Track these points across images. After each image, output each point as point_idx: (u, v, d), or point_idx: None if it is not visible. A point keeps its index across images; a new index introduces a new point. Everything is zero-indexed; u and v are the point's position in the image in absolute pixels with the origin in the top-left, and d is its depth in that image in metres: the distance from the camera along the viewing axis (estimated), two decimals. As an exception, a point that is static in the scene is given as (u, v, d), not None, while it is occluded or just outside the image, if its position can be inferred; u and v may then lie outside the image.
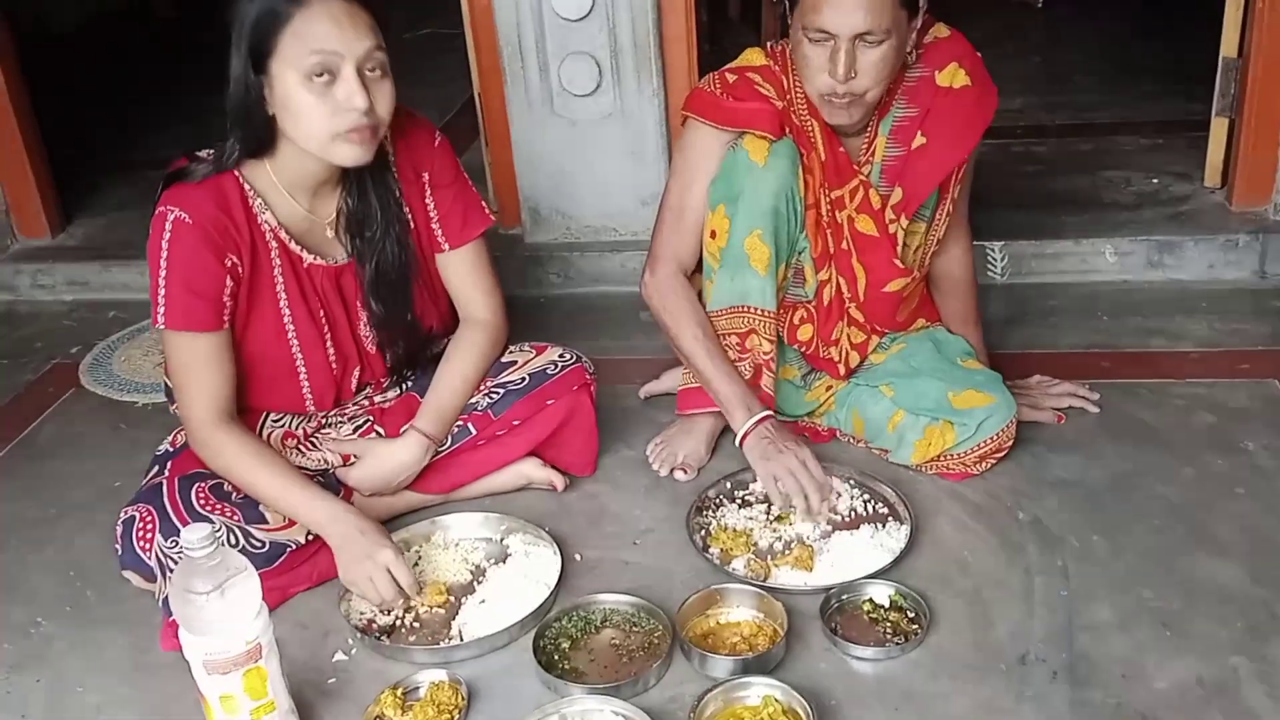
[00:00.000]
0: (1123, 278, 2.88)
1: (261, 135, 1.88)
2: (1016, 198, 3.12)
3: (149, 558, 1.89)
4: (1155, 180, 3.18)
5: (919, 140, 2.10)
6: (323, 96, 1.80)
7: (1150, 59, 4.25)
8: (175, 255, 1.87)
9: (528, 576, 1.98)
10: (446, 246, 2.11)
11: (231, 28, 1.82)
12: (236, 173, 1.91)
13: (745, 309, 2.16)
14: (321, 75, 1.79)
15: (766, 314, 2.16)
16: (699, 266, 2.24)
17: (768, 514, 2.10)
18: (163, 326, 1.90)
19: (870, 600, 1.87)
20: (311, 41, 1.77)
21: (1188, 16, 4.49)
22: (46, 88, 3.55)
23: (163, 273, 1.87)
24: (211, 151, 1.92)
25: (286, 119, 1.84)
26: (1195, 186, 3.10)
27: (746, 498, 2.16)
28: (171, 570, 1.85)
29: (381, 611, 1.94)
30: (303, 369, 2.05)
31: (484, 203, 2.16)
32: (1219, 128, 2.98)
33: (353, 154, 1.86)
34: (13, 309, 3.26)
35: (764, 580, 1.93)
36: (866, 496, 2.13)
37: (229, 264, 1.90)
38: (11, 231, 3.39)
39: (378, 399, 2.20)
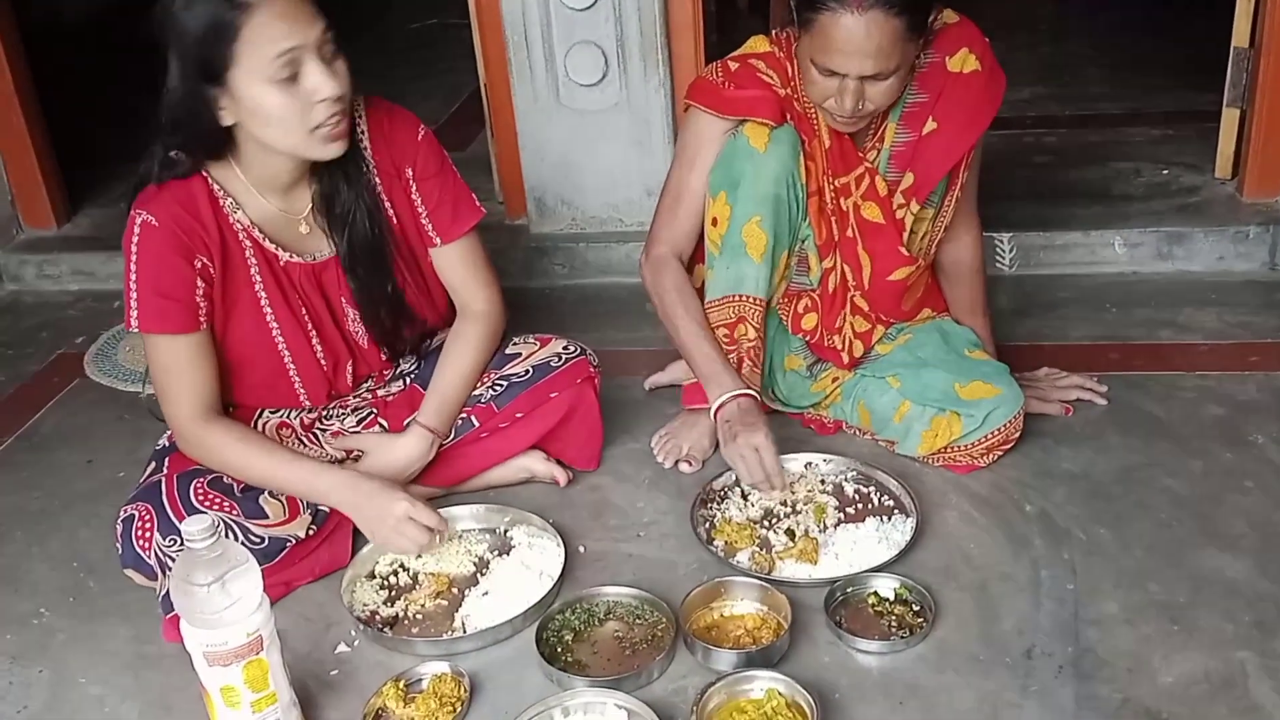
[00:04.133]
0: (1132, 269, 2.86)
1: (210, 144, 1.86)
2: (1026, 189, 3.10)
3: (148, 556, 1.89)
4: (1165, 171, 3.15)
5: (930, 125, 2.09)
6: (292, 94, 1.78)
7: (1160, 49, 4.22)
8: (143, 258, 1.87)
9: (531, 568, 1.98)
10: (439, 240, 2.09)
11: (167, 40, 1.79)
12: (204, 174, 1.90)
13: (739, 297, 2.15)
14: (289, 75, 1.77)
15: (758, 301, 2.15)
16: (700, 257, 2.23)
17: (747, 511, 2.09)
18: (136, 329, 1.90)
19: (875, 593, 1.86)
20: (271, 45, 1.75)
21: (1197, 6, 4.47)
22: (55, 77, 3.53)
23: (133, 275, 1.88)
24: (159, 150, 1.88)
25: (256, 125, 1.82)
26: (1206, 178, 3.07)
27: (750, 489, 2.14)
28: (171, 569, 1.84)
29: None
30: (292, 367, 2.04)
31: (474, 195, 2.13)
32: (1230, 119, 2.95)
33: (333, 149, 1.86)
34: (18, 299, 3.26)
35: (768, 573, 1.92)
36: (872, 489, 2.11)
37: (198, 265, 1.89)
38: (17, 221, 3.38)
39: (380, 391, 2.19)
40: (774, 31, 2.16)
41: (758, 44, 2.16)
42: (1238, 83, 2.89)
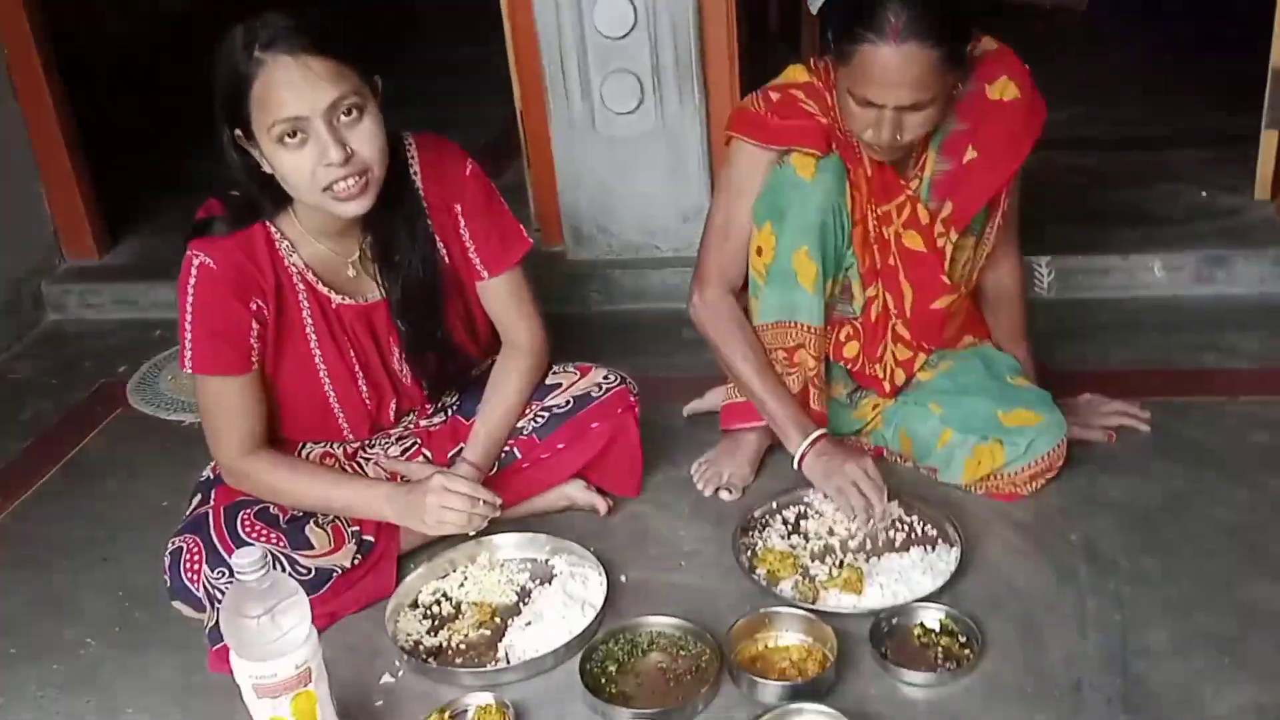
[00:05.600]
0: (1172, 293, 2.84)
1: (275, 192, 1.87)
2: (1063, 211, 3.08)
3: (197, 589, 1.91)
4: (1205, 194, 3.14)
5: (970, 154, 2.08)
6: (301, 156, 1.77)
7: (1195, 70, 4.20)
8: (200, 300, 1.88)
9: (573, 598, 1.98)
10: (486, 274, 2.10)
11: (212, 90, 1.81)
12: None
13: (793, 325, 2.15)
14: (294, 136, 1.76)
15: (814, 330, 2.15)
16: (746, 285, 2.23)
17: (805, 540, 2.09)
18: (190, 370, 1.92)
19: (921, 624, 1.85)
20: (273, 110, 1.74)
21: (1231, 27, 4.45)
22: (97, 107, 3.58)
23: (188, 317, 1.89)
24: (238, 194, 1.90)
25: (279, 179, 1.83)
26: (1245, 199, 3.05)
27: (794, 517, 2.14)
28: (219, 601, 1.86)
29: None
30: (336, 405, 2.06)
31: (522, 227, 2.14)
32: (1269, 140, 2.94)
33: (350, 208, 1.83)
34: (61, 328, 3.29)
35: (812, 603, 1.91)
36: (915, 517, 2.10)
37: (254, 307, 1.91)
38: (59, 252, 3.42)
39: (423, 422, 2.20)
40: (812, 61, 2.16)
41: (796, 74, 2.16)
42: (1276, 104, 2.87)
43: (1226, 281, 2.82)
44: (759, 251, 2.15)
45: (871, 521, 2.05)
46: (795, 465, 2.12)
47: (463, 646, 1.92)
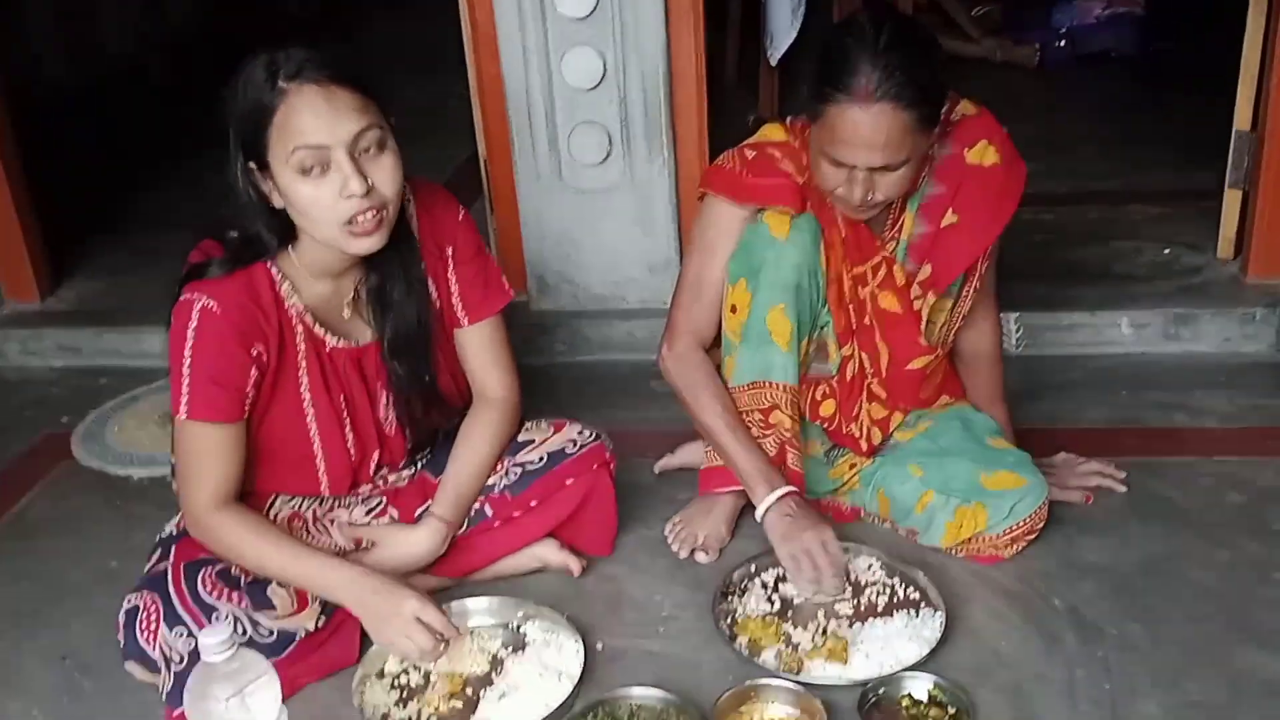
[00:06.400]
0: (1140, 350, 2.85)
1: (281, 228, 1.82)
2: (1027, 267, 3.07)
3: (153, 649, 1.82)
4: (1167, 251, 3.15)
5: (950, 218, 2.07)
6: (321, 188, 1.74)
7: (1148, 125, 4.25)
8: (201, 345, 1.80)
9: (549, 668, 1.91)
10: (465, 321, 2.06)
11: (228, 123, 1.76)
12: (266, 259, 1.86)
13: (768, 384, 2.11)
14: (313, 168, 1.73)
15: (789, 389, 2.11)
16: (717, 341, 2.20)
17: (770, 604, 2.04)
18: (185, 417, 1.83)
19: (909, 695, 1.80)
20: (295, 138, 1.71)
21: (1179, 85, 4.53)
22: (40, 147, 3.47)
23: (187, 362, 1.81)
24: (233, 236, 1.85)
25: (294, 214, 1.79)
26: (1208, 258, 3.07)
27: (773, 580, 2.09)
28: (176, 663, 1.78)
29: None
30: (320, 455, 1.98)
31: (504, 277, 2.11)
32: (1232, 200, 2.96)
33: (365, 244, 1.80)
34: (1, 375, 3.16)
35: (797, 672, 1.86)
36: (896, 579, 2.06)
37: (255, 353, 1.84)
38: (-1, 295, 3.31)
39: (391, 478, 2.12)
40: (788, 120, 2.14)
41: (773, 132, 2.14)
42: (1239, 165, 2.90)
43: (1192, 340, 2.83)
44: (733, 309, 2.12)
45: (818, 594, 2.00)
46: (759, 518, 2.08)
47: (434, 719, 1.84)
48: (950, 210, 2.06)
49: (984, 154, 2.05)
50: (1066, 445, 2.39)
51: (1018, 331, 2.86)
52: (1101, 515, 2.24)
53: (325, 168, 1.73)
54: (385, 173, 1.77)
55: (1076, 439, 2.44)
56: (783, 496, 2.06)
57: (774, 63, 4.04)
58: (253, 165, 1.77)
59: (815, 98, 1.91)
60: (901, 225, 2.11)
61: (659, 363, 2.20)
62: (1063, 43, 5.18)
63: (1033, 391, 2.67)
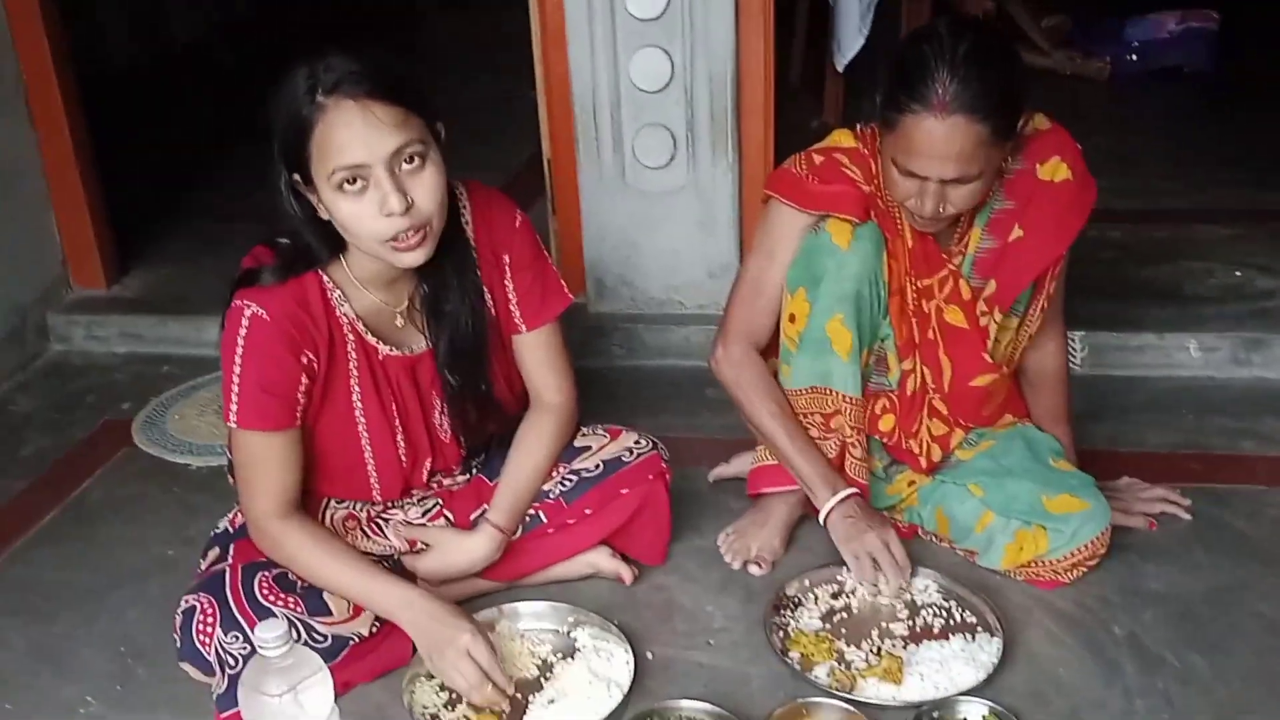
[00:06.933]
0: (1208, 374, 2.79)
1: (330, 239, 1.82)
2: (1094, 286, 3.02)
3: (208, 652, 1.81)
4: (1238, 273, 3.09)
5: (1016, 233, 2.03)
6: (361, 204, 1.72)
7: (1221, 143, 4.17)
8: (251, 353, 1.80)
9: (598, 676, 1.90)
10: (523, 328, 2.05)
11: (271, 133, 1.75)
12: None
13: (829, 391, 2.09)
14: (354, 183, 1.71)
15: (851, 400, 2.09)
16: (771, 348, 2.18)
17: (824, 621, 2.02)
18: (235, 426, 1.84)
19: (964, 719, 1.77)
20: (333, 156, 1.69)
21: (1255, 99, 4.44)
22: (109, 132, 3.50)
23: (237, 370, 1.81)
24: (287, 241, 1.85)
25: (338, 226, 1.78)
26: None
27: (828, 596, 2.07)
28: (231, 666, 1.78)
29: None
30: (371, 462, 1.98)
31: (563, 282, 2.09)
32: (1309, 225, 2.89)
33: (409, 259, 1.78)
34: (66, 360, 3.20)
35: (849, 691, 1.84)
36: (953, 603, 2.03)
37: (305, 361, 1.84)
38: (67, 281, 3.34)
39: (446, 482, 2.12)
40: (857, 126, 2.11)
41: (842, 138, 2.11)
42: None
43: (1263, 365, 2.76)
44: (791, 319, 2.10)
45: (878, 595, 1.99)
46: (821, 521, 2.06)
47: (482, 723, 1.84)
48: (1017, 225, 2.03)
49: (1056, 170, 2.01)
50: (1130, 469, 2.35)
51: (1082, 350, 2.81)
52: (1165, 542, 2.19)
53: (365, 184, 1.71)
54: (426, 188, 1.74)
55: (1140, 463, 2.40)
56: (845, 499, 2.04)
57: (840, 69, 4.01)
58: (296, 178, 1.76)
59: (889, 106, 1.88)
60: (968, 240, 2.08)
61: (712, 365, 2.19)
62: (1134, 57, 5.09)
63: (1096, 413, 2.62)
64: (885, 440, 2.21)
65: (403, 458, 2.00)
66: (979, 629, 1.97)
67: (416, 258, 1.78)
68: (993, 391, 2.17)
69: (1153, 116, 4.64)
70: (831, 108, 4.20)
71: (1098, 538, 2.04)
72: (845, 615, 2.03)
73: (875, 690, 1.84)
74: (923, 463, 2.19)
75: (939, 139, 1.83)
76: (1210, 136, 4.29)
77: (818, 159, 2.09)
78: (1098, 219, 2.10)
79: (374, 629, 1.90)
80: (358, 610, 1.89)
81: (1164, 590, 2.07)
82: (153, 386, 3.00)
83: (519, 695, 1.88)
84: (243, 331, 1.80)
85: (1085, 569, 2.07)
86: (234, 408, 1.82)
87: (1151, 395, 2.73)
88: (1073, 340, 2.80)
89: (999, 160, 1.93)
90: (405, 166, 1.72)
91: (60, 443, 2.77)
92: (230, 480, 2.02)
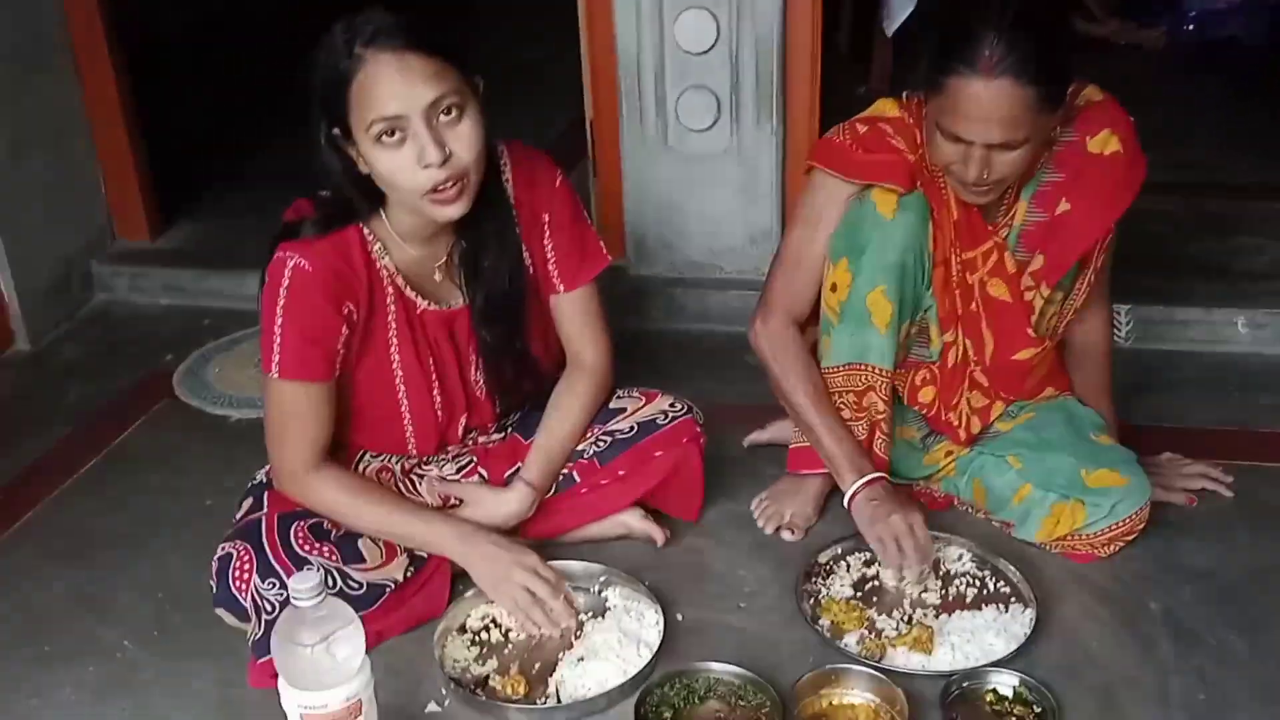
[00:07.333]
0: (1255, 350, 2.74)
1: (370, 193, 1.82)
2: (1141, 259, 2.96)
3: (244, 598, 1.84)
4: (1291, 249, 3.03)
5: (1063, 207, 2.00)
6: (400, 156, 1.73)
7: (1274, 116, 4.06)
8: (294, 304, 1.81)
9: (628, 635, 1.90)
10: (561, 288, 2.05)
11: (311, 88, 1.76)
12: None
13: (864, 367, 2.07)
14: (392, 135, 1.72)
15: (884, 373, 2.07)
16: (812, 317, 2.16)
17: (856, 589, 2.01)
18: (275, 376, 1.85)
19: (994, 690, 1.76)
20: (372, 108, 1.70)
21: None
22: (153, 87, 3.52)
23: (278, 320, 1.82)
24: (328, 194, 1.86)
25: (377, 179, 1.78)
26: (1334, 260, 2.95)
27: (860, 564, 2.06)
28: (267, 612, 1.80)
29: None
30: (407, 416, 1.99)
31: (601, 242, 2.09)
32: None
33: (448, 211, 1.79)
34: (110, 310, 3.23)
35: (879, 659, 1.83)
36: (987, 573, 2.02)
37: (346, 312, 1.85)
38: (111, 232, 3.37)
39: (482, 440, 2.13)
40: (903, 95, 2.07)
41: (886, 107, 2.08)
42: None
43: (1313, 344, 2.72)
44: (833, 288, 2.08)
45: (905, 580, 1.98)
46: (845, 504, 2.05)
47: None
48: (1065, 199, 1.99)
49: (1106, 143, 1.97)
50: (1172, 444, 2.32)
51: (1128, 324, 2.77)
52: (1205, 519, 2.17)
53: (403, 136, 1.72)
54: (464, 140, 1.75)
55: (1183, 439, 2.36)
56: (870, 482, 2.02)
57: (889, 34, 3.94)
58: (336, 131, 1.76)
59: (935, 69, 1.85)
60: (1015, 211, 2.05)
61: (750, 336, 2.17)
62: (1190, 27, 4.98)
63: (1140, 386, 2.59)
64: (925, 411, 2.19)
65: (438, 412, 2.01)
66: (1012, 600, 1.96)
67: (454, 210, 1.78)
68: (1035, 365, 2.14)
69: (1209, 89, 4.53)
70: (879, 74, 4.14)
71: (1136, 513, 2.01)
72: (877, 584, 2.02)
73: (905, 659, 1.84)
74: (961, 435, 2.17)
75: (985, 101, 1.80)
76: (1267, 110, 4.18)
77: (862, 128, 2.06)
78: (1148, 191, 2.06)
79: (408, 573, 1.92)
80: (391, 555, 1.91)
81: (1203, 567, 2.05)
82: (194, 339, 3.03)
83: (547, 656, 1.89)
84: (285, 282, 1.81)
85: (1123, 544, 2.04)
86: (275, 358, 1.84)
87: (1197, 371, 2.69)
88: (1118, 313, 2.76)
89: (1047, 129, 1.89)
90: (443, 118, 1.73)
91: (103, 392, 2.81)
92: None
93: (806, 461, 2.16)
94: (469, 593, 1.98)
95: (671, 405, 2.13)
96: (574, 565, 2.05)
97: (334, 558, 1.86)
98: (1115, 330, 2.74)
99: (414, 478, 2.07)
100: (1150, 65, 4.85)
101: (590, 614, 1.97)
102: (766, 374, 2.16)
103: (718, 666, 1.81)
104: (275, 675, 1.56)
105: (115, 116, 3.25)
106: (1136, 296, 2.77)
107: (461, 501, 2.04)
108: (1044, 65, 1.80)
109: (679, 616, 1.97)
